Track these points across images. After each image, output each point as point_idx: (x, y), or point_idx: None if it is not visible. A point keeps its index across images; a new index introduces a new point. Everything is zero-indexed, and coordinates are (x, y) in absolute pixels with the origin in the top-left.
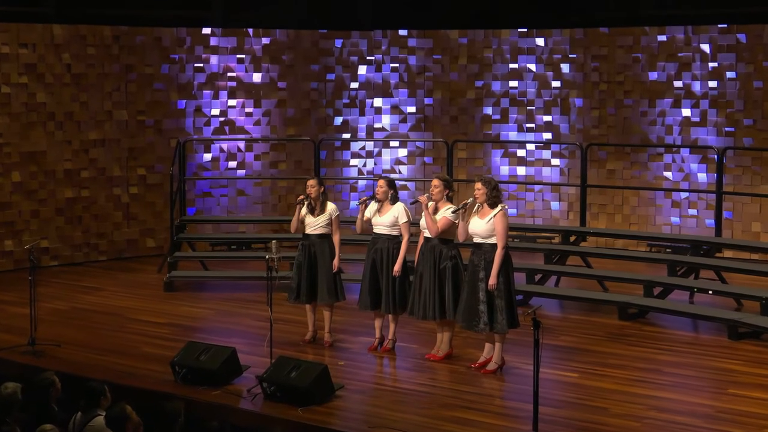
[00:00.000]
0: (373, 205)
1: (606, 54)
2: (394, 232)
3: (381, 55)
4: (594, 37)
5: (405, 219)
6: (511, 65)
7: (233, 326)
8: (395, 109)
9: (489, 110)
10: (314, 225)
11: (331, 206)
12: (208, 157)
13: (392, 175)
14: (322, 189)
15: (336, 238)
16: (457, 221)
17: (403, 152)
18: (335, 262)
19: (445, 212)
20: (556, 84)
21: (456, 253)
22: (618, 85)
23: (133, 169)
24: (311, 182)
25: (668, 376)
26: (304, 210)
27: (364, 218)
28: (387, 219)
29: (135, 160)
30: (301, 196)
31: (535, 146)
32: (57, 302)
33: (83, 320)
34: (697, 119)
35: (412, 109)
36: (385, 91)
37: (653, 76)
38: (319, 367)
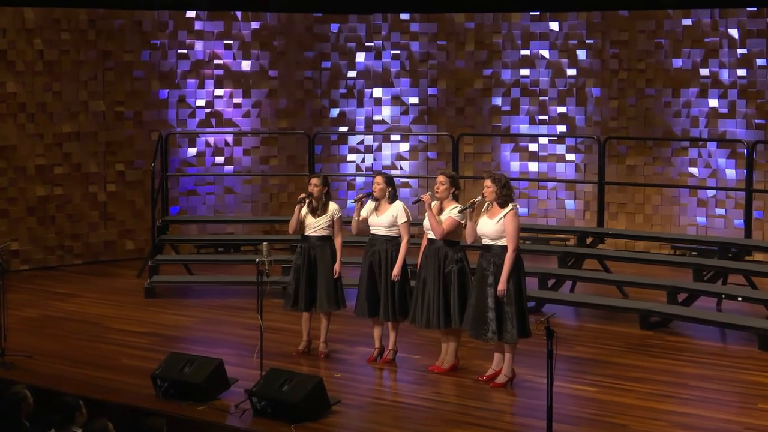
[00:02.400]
0: (370, 204)
1: (626, 39)
2: (393, 233)
3: (381, 41)
4: (613, 21)
5: (404, 219)
6: (523, 52)
7: (220, 336)
8: (396, 99)
9: (498, 101)
10: (314, 226)
11: (333, 207)
12: (192, 151)
13: (393, 172)
14: (326, 189)
15: (338, 241)
16: (463, 221)
17: (404, 147)
18: (336, 266)
19: (451, 212)
20: (571, 72)
21: (462, 255)
22: (639, 74)
23: (110, 164)
24: (315, 180)
25: (693, 390)
26: (304, 210)
27: (361, 218)
28: (385, 219)
29: (113, 155)
30: (303, 195)
31: (549, 140)
32: (28, 310)
33: (57, 329)
34: (725, 110)
35: (414, 99)
36: (385, 81)
37: (677, 63)
38: (314, 380)
